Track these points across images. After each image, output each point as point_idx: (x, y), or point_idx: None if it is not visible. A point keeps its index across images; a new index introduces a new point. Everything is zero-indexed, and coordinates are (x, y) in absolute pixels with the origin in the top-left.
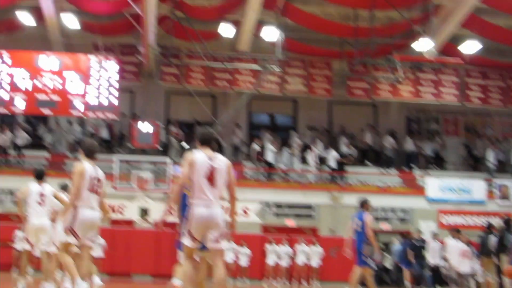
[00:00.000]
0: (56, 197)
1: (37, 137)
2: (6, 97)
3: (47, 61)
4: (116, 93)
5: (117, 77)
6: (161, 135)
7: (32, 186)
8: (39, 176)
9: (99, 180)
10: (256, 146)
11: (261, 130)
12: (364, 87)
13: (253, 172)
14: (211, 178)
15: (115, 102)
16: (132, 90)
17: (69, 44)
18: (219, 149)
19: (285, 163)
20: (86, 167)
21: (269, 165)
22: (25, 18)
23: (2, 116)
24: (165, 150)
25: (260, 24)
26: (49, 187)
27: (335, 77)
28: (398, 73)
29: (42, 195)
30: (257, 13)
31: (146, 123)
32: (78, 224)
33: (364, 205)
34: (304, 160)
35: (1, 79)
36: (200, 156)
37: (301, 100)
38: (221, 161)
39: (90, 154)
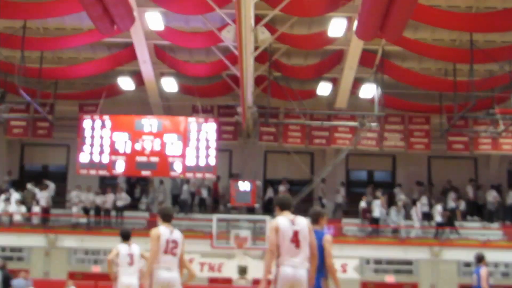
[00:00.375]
0: (143, 257)
1: (135, 198)
2: (106, 159)
3: (147, 124)
4: (214, 153)
5: (215, 137)
6: (259, 194)
7: (121, 247)
8: (126, 237)
9: (175, 242)
10: (363, 203)
11: (359, 187)
12: (464, 141)
13: (354, 229)
14: (295, 240)
15: (213, 162)
16: (230, 150)
17: (168, 106)
18: (321, 206)
19: (392, 219)
20: (162, 231)
21: (375, 221)
22: (126, 83)
23: (102, 178)
24: (263, 208)
25: (357, 81)
26: (137, 247)
27: (434, 131)
28: (499, 127)
29: (130, 255)
30: (354, 70)
31: (244, 182)
32: (156, 285)
33: (481, 260)
34: (407, 216)
35: (102, 143)
36: (283, 221)
37: (399, 156)
38: (303, 223)
39: (166, 218)
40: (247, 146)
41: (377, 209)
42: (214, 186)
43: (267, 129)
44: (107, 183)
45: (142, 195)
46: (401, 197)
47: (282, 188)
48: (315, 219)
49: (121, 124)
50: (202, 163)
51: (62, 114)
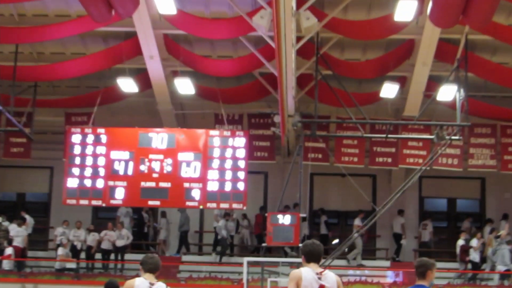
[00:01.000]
0: None
1: (145, 236)
2: (101, 185)
3: (156, 138)
4: (244, 177)
5: (245, 156)
6: (304, 229)
7: None
8: None
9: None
10: (461, 241)
11: (437, 220)
12: None
13: (450, 275)
14: None
15: (243, 188)
16: (265, 172)
17: (183, 116)
18: (398, 247)
19: (505, 261)
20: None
21: (474, 265)
22: (128, 85)
23: (96, 210)
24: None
25: (432, 81)
26: None
27: None
28: None
29: None
30: (429, 67)
31: (284, 215)
32: None
33: None
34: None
35: (97, 164)
36: (308, 273)
37: (490, 178)
38: (332, 279)
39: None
40: (287, 167)
41: (477, 249)
42: (258, 220)
43: (314, 145)
44: (102, 217)
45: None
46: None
47: (323, 220)
48: (422, 273)
49: (121, 139)
50: (227, 188)
51: (43, 126)
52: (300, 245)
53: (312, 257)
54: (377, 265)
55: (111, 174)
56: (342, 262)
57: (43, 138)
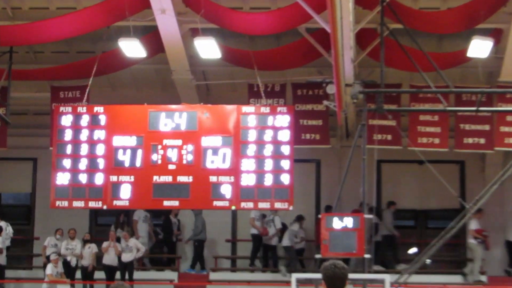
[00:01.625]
0: None
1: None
2: (101, 181)
3: (171, 119)
4: (289, 166)
5: (290, 139)
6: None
7: None
8: None
9: None
10: None
11: None
12: None
13: None
14: None
15: (288, 182)
16: (316, 160)
17: (207, 88)
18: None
19: None
20: None
21: None
22: (132, 49)
23: (94, 214)
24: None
25: None
26: None
27: None
28: None
29: None
30: None
31: (344, 217)
32: None
33: None
34: None
35: (94, 153)
36: None
37: None
38: None
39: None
40: (346, 152)
41: None
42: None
43: (381, 123)
44: (103, 224)
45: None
46: None
47: (388, 215)
48: None
49: (126, 120)
50: (268, 182)
51: (23, 105)
52: (368, 255)
53: (333, 284)
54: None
55: (114, 167)
56: (422, 278)
57: (23, 120)
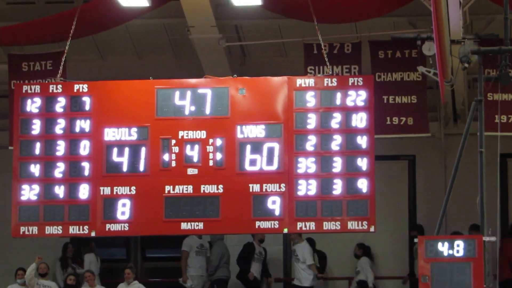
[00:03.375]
0: None
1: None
2: (85, 195)
3: (189, 100)
4: (368, 166)
5: (369, 125)
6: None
7: None
8: None
9: None
10: None
11: None
12: None
13: None
14: None
15: (366, 189)
16: (410, 156)
17: (242, 52)
18: None
19: None
20: None
21: None
22: None
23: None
24: None
25: None
26: None
27: None
28: None
29: None
30: None
31: (453, 240)
32: None
33: None
34: None
35: (74, 155)
36: None
37: None
38: None
39: None
40: (453, 143)
41: None
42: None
43: (505, 98)
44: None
45: None
46: None
47: None
48: None
49: (122, 104)
50: (337, 191)
51: None
52: None
53: None
54: None
55: (106, 174)
56: None
57: None
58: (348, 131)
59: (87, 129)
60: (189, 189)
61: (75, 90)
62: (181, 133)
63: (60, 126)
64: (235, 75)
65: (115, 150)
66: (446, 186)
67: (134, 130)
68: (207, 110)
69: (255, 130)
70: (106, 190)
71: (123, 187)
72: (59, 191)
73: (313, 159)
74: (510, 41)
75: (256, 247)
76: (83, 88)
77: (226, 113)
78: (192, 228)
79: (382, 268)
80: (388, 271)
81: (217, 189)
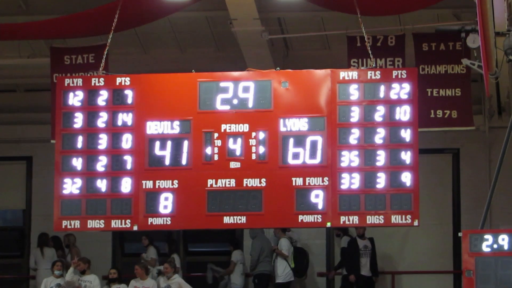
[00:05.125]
0: None
1: None
2: (127, 188)
3: (232, 93)
4: (412, 160)
5: (413, 118)
6: None
7: None
8: None
9: None
10: None
11: None
12: None
13: None
14: None
15: (410, 182)
16: (454, 150)
17: (285, 45)
18: None
19: None
20: None
21: None
22: None
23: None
24: None
25: None
26: None
27: None
28: None
29: None
30: None
31: (499, 236)
32: None
33: None
34: None
35: (116, 149)
36: None
37: None
38: None
39: None
40: (497, 137)
41: None
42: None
43: None
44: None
45: None
46: None
47: None
48: None
49: (166, 97)
50: (381, 185)
51: (7, 78)
52: None
53: None
54: None
55: (148, 168)
56: None
57: (9, 100)
58: (392, 124)
59: (129, 123)
60: (232, 182)
61: (117, 84)
62: (223, 127)
63: (102, 119)
64: (278, 68)
65: (157, 143)
66: (491, 179)
67: (176, 123)
68: (250, 103)
69: (298, 123)
70: (149, 184)
71: (166, 181)
72: (101, 184)
73: (356, 152)
74: None
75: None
76: (125, 81)
77: (269, 106)
78: (235, 222)
79: (426, 263)
80: (432, 265)
81: (260, 182)
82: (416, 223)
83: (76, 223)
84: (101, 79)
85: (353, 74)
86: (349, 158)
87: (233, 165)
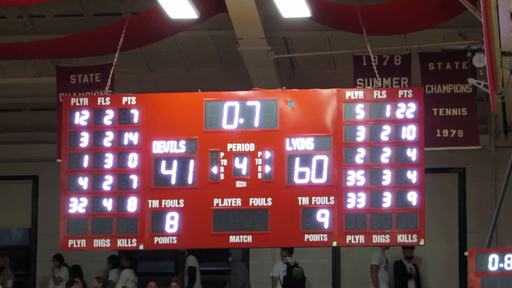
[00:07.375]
0: None
1: None
2: (133, 207)
3: (238, 113)
4: (419, 179)
5: (419, 137)
6: None
7: None
8: None
9: None
10: None
11: None
12: None
13: None
14: None
15: (416, 202)
16: (460, 169)
17: (291, 64)
18: None
19: None
20: None
21: None
22: (178, 7)
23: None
24: None
25: None
26: None
27: None
28: None
29: None
30: None
31: (506, 256)
32: None
33: None
34: None
35: (122, 168)
36: None
37: None
38: None
39: None
40: (503, 156)
41: None
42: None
43: None
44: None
45: None
46: None
47: None
48: None
49: (171, 117)
50: (387, 204)
51: (13, 97)
52: None
53: None
54: None
55: (154, 187)
56: None
57: (15, 119)
58: (398, 144)
59: (135, 142)
60: (238, 202)
61: (123, 103)
62: (229, 146)
63: (108, 138)
64: (284, 88)
65: (163, 163)
66: (497, 199)
67: (182, 142)
68: (256, 123)
69: (304, 143)
70: (155, 203)
71: (172, 200)
72: (107, 204)
73: (362, 171)
74: None
75: (405, 263)
76: (131, 100)
77: (275, 125)
78: (241, 241)
79: (432, 282)
80: (438, 285)
81: (266, 202)
82: (422, 242)
83: (82, 242)
84: (107, 99)
85: (359, 93)
86: (355, 177)
87: (239, 184)
